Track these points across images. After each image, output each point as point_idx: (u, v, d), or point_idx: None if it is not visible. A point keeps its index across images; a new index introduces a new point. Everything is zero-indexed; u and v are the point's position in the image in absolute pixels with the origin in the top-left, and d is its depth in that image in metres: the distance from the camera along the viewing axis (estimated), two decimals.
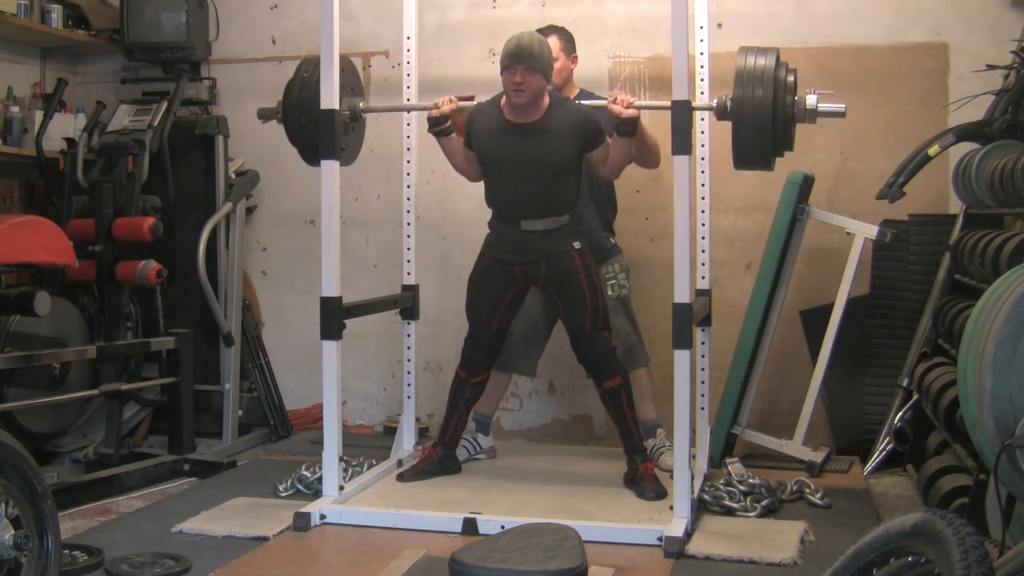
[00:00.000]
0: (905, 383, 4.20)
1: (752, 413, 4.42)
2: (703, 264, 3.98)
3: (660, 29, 4.55)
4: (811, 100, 3.45)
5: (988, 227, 3.71)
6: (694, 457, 3.86)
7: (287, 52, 5.18)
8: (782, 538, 3.32)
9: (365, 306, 3.95)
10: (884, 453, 4.21)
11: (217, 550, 3.25)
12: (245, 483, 4.11)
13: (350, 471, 4.03)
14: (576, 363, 3.98)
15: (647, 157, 4.21)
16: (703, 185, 3.99)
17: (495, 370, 4.21)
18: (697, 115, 3.85)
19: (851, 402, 4.48)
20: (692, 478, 3.47)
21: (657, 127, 4.20)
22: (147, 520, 3.62)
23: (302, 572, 3.08)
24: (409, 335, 4.32)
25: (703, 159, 3.98)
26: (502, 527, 3.15)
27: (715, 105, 3.53)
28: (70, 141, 4.72)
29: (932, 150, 4.05)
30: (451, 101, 3.84)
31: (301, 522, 3.46)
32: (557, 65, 4.14)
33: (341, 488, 3.65)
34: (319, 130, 3.66)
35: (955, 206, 4.33)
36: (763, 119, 3.41)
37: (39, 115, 4.84)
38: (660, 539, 3.22)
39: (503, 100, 3.80)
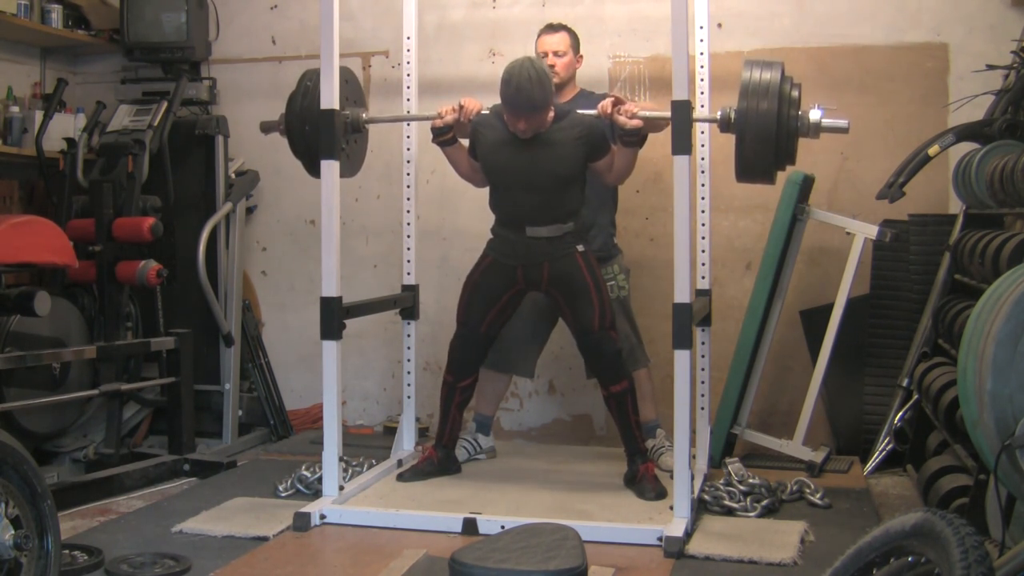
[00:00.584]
0: (905, 383, 4.20)
1: (752, 413, 4.42)
2: (703, 264, 3.97)
3: (660, 29, 4.55)
4: (815, 115, 3.42)
5: (988, 227, 3.71)
6: (694, 457, 3.86)
7: (287, 52, 5.18)
8: (782, 538, 3.31)
9: (365, 306, 3.94)
10: (884, 453, 4.22)
11: (217, 550, 3.25)
12: (245, 483, 4.11)
13: (350, 471, 4.03)
14: (576, 363, 3.98)
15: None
16: (703, 185, 3.98)
17: (495, 371, 4.21)
18: None
19: (851, 402, 4.48)
20: (692, 478, 3.47)
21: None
22: (147, 520, 3.62)
23: (302, 572, 3.08)
24: (409, 335, 4.32)
25: (703, 159, 3.98)
26: (502, 527, 3.15)
27: (719, 117, 3.50)
28: (70, 141, 4.72)
29: (932, 150, 4.05)
30: (454, 110, 3.81)
31: (301, 522, 3.46)
32: (566, 60, 4.15)
33: (341, 488, 3.66)
34: (319, 131, 3.65)
35: (955, 206, 4.33)
36: (767, 133, 3.38)
37: (39, 115, 4.84)
38: (660, 539, 3.22)
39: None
